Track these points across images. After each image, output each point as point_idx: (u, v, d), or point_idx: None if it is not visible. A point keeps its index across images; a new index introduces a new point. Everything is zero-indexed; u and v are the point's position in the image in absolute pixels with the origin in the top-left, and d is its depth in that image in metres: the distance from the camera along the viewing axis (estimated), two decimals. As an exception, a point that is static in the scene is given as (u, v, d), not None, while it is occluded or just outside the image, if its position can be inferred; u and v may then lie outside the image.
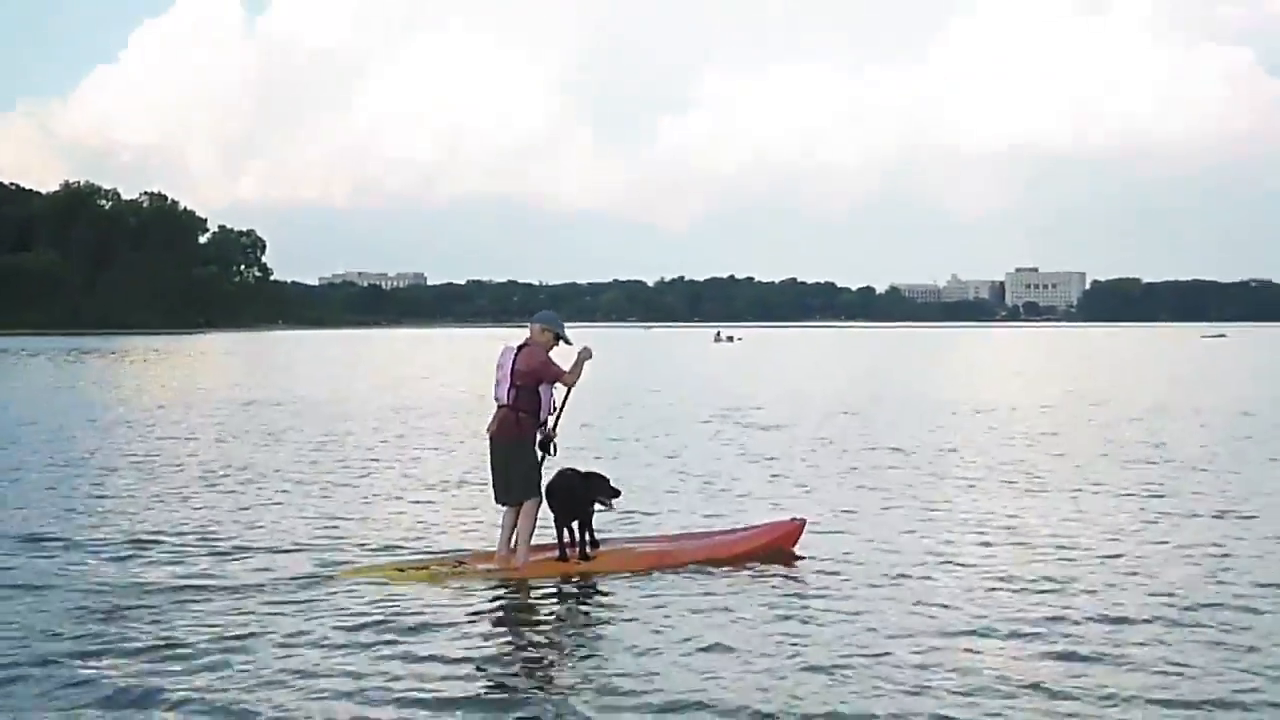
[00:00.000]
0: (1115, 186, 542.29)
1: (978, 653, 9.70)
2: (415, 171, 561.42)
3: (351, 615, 10.85)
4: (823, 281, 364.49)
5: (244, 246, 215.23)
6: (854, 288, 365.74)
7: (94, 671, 9.26)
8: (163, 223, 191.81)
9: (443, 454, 23.33)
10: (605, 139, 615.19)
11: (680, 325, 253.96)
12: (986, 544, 14.00)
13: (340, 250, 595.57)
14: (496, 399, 12.66)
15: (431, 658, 9.70)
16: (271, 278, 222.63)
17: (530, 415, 12.51)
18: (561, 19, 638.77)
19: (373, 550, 13.70)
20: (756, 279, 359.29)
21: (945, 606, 11.08)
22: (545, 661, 9.87)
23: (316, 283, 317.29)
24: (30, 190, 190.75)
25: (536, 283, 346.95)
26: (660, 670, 9.35)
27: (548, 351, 12.63)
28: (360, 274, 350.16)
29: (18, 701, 8.68)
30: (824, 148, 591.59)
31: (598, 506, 12.83)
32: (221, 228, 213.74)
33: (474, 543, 13.84)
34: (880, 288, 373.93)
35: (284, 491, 18.18)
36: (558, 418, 12.78)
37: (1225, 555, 13.29)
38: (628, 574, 12.44)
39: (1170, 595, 11.44)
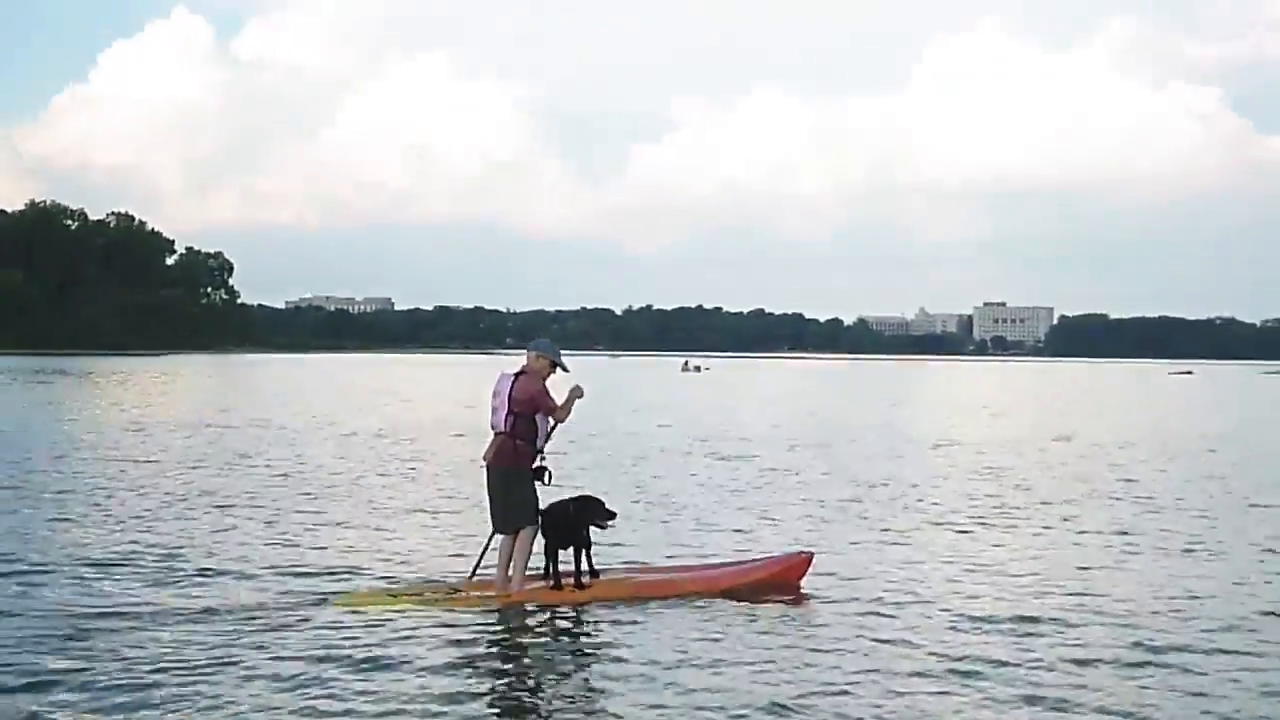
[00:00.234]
0: (1083, 222, 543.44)
1: (941, 694, 9.62)
2: (385, 196, 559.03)
3: (339, 641, 10.80)
4: (791, 312, 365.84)
5: (211, 269, 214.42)
6: (822, 319, 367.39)
7: (49, 704, 9.09)
8: (129, 244, 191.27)
9: (420, 480, 23.13)
10: (575, 166, 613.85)
11: (648, 353, 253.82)
12: (952, 580, 13.95)
13: (308, 274, 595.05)
14: (493, 426, 12.61)
15: (420, 685, 9.66)
16: (238, 300, 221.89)
17: (527, 443, 12.48)
18: (534, 45, 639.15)
19: (357, 576, 13.63)
20: (725, 309, 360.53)
21: (910, 644, 11.02)
22: (533, 689, 9.90)
23: (283, 306, 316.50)
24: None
25: (504, 309, 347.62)
26: (646, 698, 9.38)
27: (544, 379, 12.61)
28: (328, 298, 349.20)
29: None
30: (794, 178, 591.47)
31: (594, 530, 12.79)
32: (189, 249, 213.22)
33: (465, 569, 13.64)
34: (848, 319, 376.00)
35: (266, 517, 17.93)
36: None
37: (1192, 596, 13.27)
38: (625, 603, 12.41)
39: (1136, 633, 11.43)
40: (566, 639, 11.60)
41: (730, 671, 10.11)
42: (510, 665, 10.55)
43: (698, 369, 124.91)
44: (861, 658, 10.57)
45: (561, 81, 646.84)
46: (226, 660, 10.15)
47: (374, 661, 10.18)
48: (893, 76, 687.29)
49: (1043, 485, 23.80)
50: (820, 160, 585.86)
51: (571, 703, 9.53)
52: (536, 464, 12.55)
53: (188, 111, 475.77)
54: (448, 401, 55.45)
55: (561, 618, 12.12)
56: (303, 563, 14.40)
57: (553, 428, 12.69)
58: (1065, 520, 18.86)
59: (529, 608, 12.27)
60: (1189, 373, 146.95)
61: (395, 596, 12.47)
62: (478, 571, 12.99)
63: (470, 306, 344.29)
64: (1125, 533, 17.71)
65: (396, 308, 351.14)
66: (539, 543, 12.64)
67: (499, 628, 11.69)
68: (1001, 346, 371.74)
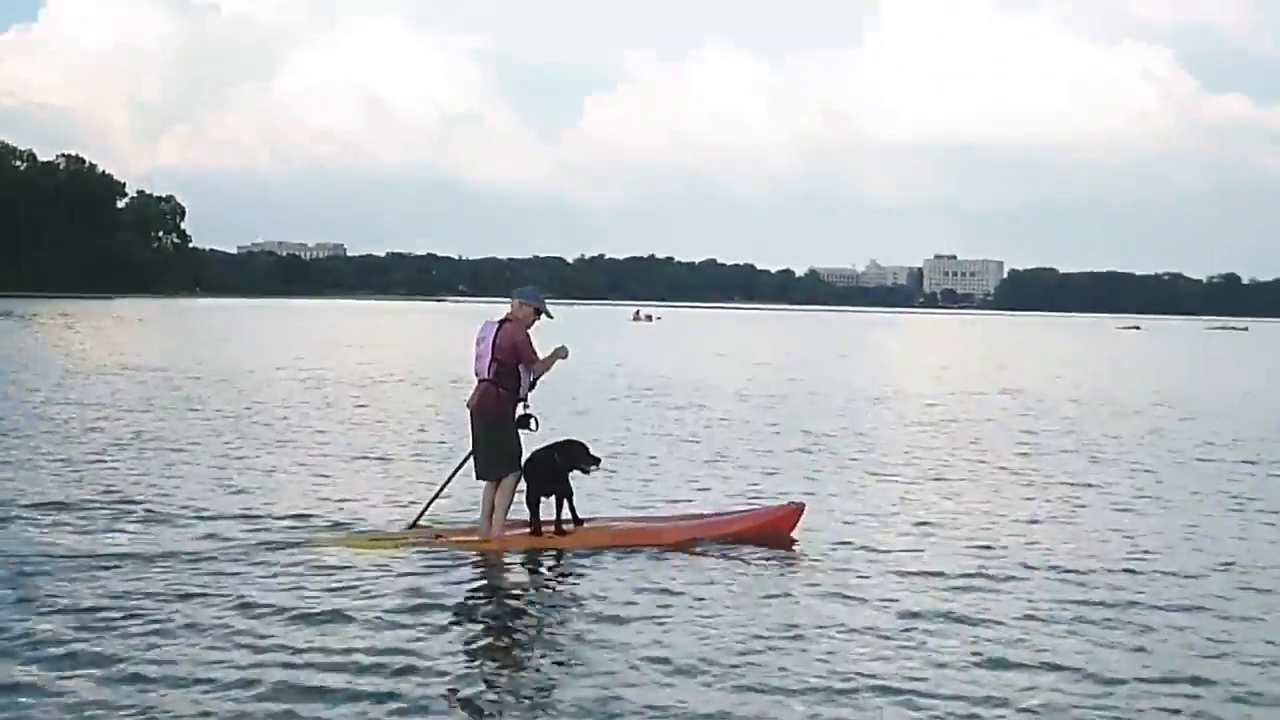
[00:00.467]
0: (1034, 179, 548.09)
1: (889, 649, 9.61)
2: (337, 142, 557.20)
3: (316, 584, 10.85)
4: (742, 263, 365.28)
5: (163, 213, 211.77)
6: (773, 270, 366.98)
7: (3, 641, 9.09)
8: (80, 186, 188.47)
9: (373, 426, 22.95)
10: (528, 117, 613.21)
11: (599, 303, 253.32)
12: (902, 534, 13.96)
13: (260, 219, 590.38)
14: (477, 374, 12.59)
15: (394, 631, 9.63)
16: (190, 245, 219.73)
17: (510, 391, 12.45)
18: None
19: (310, 520, 13.67)
20: (676, 259, 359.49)
21: (858, 599, 11.01)
22: (508, 631, 10.03)
23: (235, 251, 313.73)
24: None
25: (457, 256, 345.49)
26: (623, 639, 9.54)
27: (528, 327, 12.55)
28: (280, 244, 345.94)
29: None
30: (747, 132, 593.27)
31: (578, 473, 12.78)
32: (140, 193, 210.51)
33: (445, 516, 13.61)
34: (800, 271, 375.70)
35: (213, 462, 17.84)
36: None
37: (1140, 550, 13.33)
38: (608, 549, 12.41)
39: (1083, 589, 11.48)
40: (546, 585, 11.65)
41: (672, 625, 10.07)
42: (487, 610, 10.59)
43: (649, 318, 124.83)
44: (810, 612, 10.55)
45: (514, 34, 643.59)
46: (180, 602, 10.14)
47: (337, 610, 10.08)
48: (847, 33, 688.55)
49: (991, 439, 23.90)
50: (773, 113, 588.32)
51: (546, 645, 9.62)
52: (522, 412, 12.51)
53: (139, 54, 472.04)
54: (401, 347, 55.21)
55: (541, 564, 12.15)
56: (256, 508, 14.31)
57: (534, 380, 12.63)
58: (1014, 474, 18.95)
59: (509, 554, 12.28)
60: (1137, 328, 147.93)
61: (376, 540, 12.43)
62: (419, 521, 12.95)
63: (423, 253, 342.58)
64: (1073, 485, 17.82)
65: (349, 254, 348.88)
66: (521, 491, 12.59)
67: (478, 574, 11.69)
68: (952, 299, 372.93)
